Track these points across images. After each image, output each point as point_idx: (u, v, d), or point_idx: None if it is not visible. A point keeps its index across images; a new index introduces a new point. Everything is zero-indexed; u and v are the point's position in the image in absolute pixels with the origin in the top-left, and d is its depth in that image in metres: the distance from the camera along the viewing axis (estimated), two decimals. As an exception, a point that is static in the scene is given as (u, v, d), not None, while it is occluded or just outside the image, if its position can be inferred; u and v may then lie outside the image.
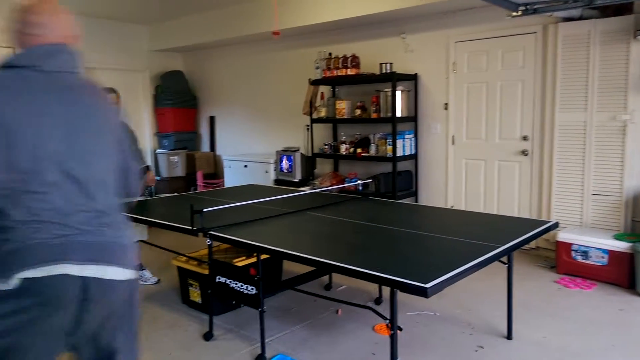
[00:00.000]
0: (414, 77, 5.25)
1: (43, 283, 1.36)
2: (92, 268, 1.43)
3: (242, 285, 2.84)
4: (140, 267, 4.21)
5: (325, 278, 4.00)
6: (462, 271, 2.04)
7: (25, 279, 1.34)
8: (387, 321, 2.14)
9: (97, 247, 1.45)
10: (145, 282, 4.16)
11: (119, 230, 1.54)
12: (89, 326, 1.49)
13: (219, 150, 7.65)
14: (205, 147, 7.85)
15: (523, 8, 3.65)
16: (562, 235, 4.16)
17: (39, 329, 1.39)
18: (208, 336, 3.12)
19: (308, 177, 5.98)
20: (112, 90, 3.93)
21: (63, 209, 1.42)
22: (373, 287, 3.84)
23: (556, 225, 2.90)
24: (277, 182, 6.07)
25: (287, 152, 5.98)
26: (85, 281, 1.41)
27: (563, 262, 4.16)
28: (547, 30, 4.45)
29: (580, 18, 4.26)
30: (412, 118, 5.28)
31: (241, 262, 3.13)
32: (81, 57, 1.65)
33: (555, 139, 4.47)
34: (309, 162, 5.96)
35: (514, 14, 3.70)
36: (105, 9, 6.39)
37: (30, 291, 1.35)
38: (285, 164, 6.00)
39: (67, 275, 1.38)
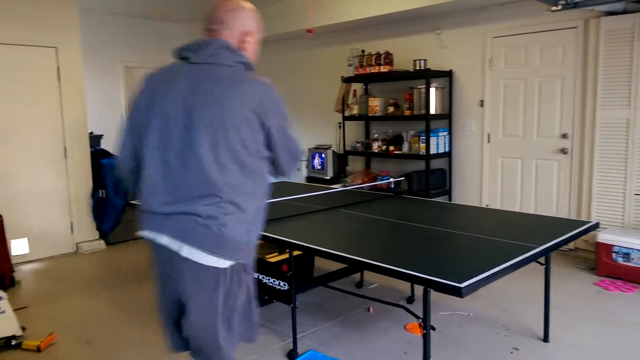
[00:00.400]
0: (448, 74, 5.18)
1: (152, 244, 1.74)
2: (175, 243, 1.65)
3: (274, 281, 2.87)
4: None
5: (357, 276, 3.99)
6: (497, 271, 2.00)
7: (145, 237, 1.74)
8: (420, 320, 2.12)
9: (180, 228, 1.63)
10: None
11: (212, 217, 1.61)
12: (179, 293, 1.73)
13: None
14: (238, 144, 7.94)
15: (563, 2, 3.55)
16: (603, 236, 4.03)
17: (156, 271, 1.81)
18: (241, 330, 3.16)
19: (340, 175, 5.98)
20: None
21: (168, 191, 1.64)
22: (405, 286, 3.82)
23: (597, 225, 2.81)
24: (309, 179, 6.09)
25: (319, 150, 5.99)
26: (170, 253, 1.66)
27: (603, 264, 4.03)
28: (589, 25, 4.30)
29: (624, 12, 4.10)
30: (446, 115, 5.21)
31: (274, 258, 3.16)
32: (235, 51, 1.71)
33: (596, 136, 4.32)
34: (341, 159, 5.96)
35: (554, 8, 3.60)
36: (144, 8, 6.55)
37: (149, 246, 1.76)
38: (317, 161, 6.01)
39: (161, 245, 1.68)
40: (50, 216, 5.02)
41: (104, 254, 5.16)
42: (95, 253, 5.17)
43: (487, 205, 5.06)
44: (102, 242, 5.33)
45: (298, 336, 2.98)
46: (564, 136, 4.57)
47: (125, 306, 3.68)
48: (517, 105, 4.83)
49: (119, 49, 6.95)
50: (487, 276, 1.94)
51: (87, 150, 5.27)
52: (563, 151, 4.58)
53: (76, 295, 3.96)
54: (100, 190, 5.27)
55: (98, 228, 5.36)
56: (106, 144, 6.28)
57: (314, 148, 6.09)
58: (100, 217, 5.30)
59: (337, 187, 4.31)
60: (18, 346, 3.02)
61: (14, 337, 3.04)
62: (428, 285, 1.95)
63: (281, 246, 2.97)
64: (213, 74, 1.64)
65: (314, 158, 6.05)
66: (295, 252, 2.72)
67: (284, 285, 2.80)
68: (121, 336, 3.18)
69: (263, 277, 2.95)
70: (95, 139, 5.98)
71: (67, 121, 5.07)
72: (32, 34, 4.80)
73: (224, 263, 1.64)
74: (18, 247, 4.79)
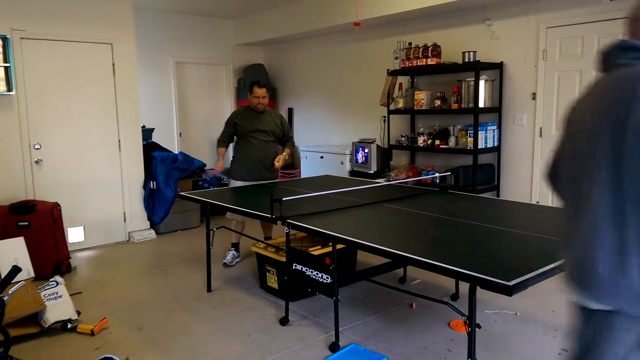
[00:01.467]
0: (499, 66, 5.01)
1: None
2: None
3: (317, 274, 2.89)
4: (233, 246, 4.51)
5: (400, 271, 3.96)
6: (547, 270, 1.93)
7: None
8: (465, 318, 2.08)
9: None
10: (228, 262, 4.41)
11: None
12: None
13: (296, 141, 7.79)
14: (283, 137, 8.03)
15: (625, -11, 3.36)
16: (663, 237, 3.80)
17: None
18: (284, 321, 3.21)
19: (384, 169, 5.93)
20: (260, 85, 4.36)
21: None
22: (449, 282, 3.75)
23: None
24: (352, 173, 6.08)
25: (363, 144, 5.96)
26: None
27: (663, 267, 3.81)
28: (652, 13, 4.05)
29: (693, -3, 3.83)
30: (496, 109, 5.05)
31: (317, 251, 3.18)
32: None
33: (658, 131, 4.08)
34: (385, 153, 5.91)
35: (614, -5, 3.41)
36: (195, 5, 6.70)
37: None
38: (360, 155, 5.99)
39: None
40: (105, 206, 5.25)
41: (154, 243, 5.35)
42: (146, 242, 5.37)
43: (537, 202, 4.89)
44: (152, 231, 5.53)
45: (340, 329, 2.99)
46: (623, 131, 4.34)
47: (174, 294, 3.81)
48: (572, 98, 4.62)
49: (171, 45, 7.15)
50: (536, 275, 1.88)
51: (139, 143, 5.47)
52: (621, 146, 4.35)
53: (128, 282, 4.14)
54: (151, 182, 5.46)
55: (149, 218, 5.57)
56: (157, 137, 6.50)
57: (358, 142, 6.06)
58: (151, 208, 5.49)
59: (381, 182, 4.28)
60: (73, 329, 3.18)
61: (69, 320, 3.21)
62: (475, 282, 1.90)
63: (324, 239, 2.98)
64: None
65: (357, 152, 6.02)
66: (339, 246, 2.72)
67: (327, 278, 2.81)
68: (170, 322, 3.30)
69: (306, 270, 2.97)
70: (147, 132, 6.20)
71: (121, 115, 5.28)
72: (89, 31, 5.02)
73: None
74: (74, 235, 5.04)
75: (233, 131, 4.51)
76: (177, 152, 6.04)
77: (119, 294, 3.85)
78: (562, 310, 3.31)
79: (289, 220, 2.86)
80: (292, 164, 7.67)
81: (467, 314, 2.07)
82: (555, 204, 4.74)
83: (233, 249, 4.50)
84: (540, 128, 4.87)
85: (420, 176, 5.32)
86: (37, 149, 4.80)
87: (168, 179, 5.48)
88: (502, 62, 5.03)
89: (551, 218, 2.83)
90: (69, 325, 3.19)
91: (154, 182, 5.44)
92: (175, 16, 7.15)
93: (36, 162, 4.79)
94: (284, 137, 4.58)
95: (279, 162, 4.33)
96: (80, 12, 4.95)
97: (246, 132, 4.41)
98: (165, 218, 5.53)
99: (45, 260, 4.22)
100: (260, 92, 4.32)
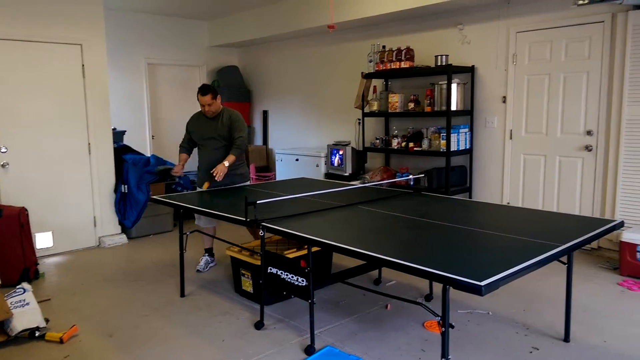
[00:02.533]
0: (470, 70, 5.11)
1: None
2: None
3: (292, 277, 2.88)
4: (208, 252, 4.41)
5: (375, 272, 3.98)
6: (518, 270, 1.97)
7: None
8: (439, 318, 2.10)
9: None
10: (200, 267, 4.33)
11: None
12: None
13: (271, 144, 7.77)
14: (258, 140, 7.99)
15: (590, -5, 3.46)
16: (627, 236, 3.94)
17: None
18: (259, 325, 3.19)
19: (359, 172, 5.96)
20: (207, 89, 4.13)
21: None
22: (423, 283, 3.79)
23: (621, 224, 2.75)
24: (328, 175, 6.09)
25: (338, 146, 5.98)
26: None
27: (627, 264, 3.94)
28: (616, 19, 4.19)
29: (654, 5, 3.98)
30: (468, 112, 5.14)
31: (292, 254, 3.17)
32: None
33: (623, 133, 4.22)
34: (360, 156, 5.94)
35: (581, 2, 3.52)
36: (167, 6, 6.62)
37: None
38: (335, 157, 6.00)
39: None
40: (74, 210, 5.13)
41: (125, 248, 5.25)
42: (117, 247, 5.27)
43: (508, 203, 4.99)
44: (124, 236, 5.42)
45: (316, 332, 2.99)
46: (589, 133, 4.47)
47: (147, 299, 3.74)
48: (540, 102, 4.74)
49: (143, 46, 7.04)
50: (507, 275, 1.91)
51: (110, 146, 5.36)
52: (587, 148, 4.48)
53: (98, 288, 4.04)
54: (122, 186, 5.36)
55: (120, 223, 5.46)
56: (129, 140, 6.38)
57: (333, 144, 6.08)
58: (123, 212, 5.39)
59: (356, 184, 4.30)
60: (42, 337, 3.09)
61: (37, 328, 3.11)
62: (448, 283, 1.93)
63: (300, 242, 2.98)
64: None
65: (332, 155, 6.04)
66: (314, 248, 2.72)
67: (302, 281, 2.81)
68: (142, 329, 3.24)
69: (281, 273, 2.96)
70: (118, 135, 6.08)
71: (91, 117, 5.16)
72: (58, 32, 4.90)
73: None
74: (42, 240, 4.91)
75: (189, 137, 4.40)
76: (149, 155, 5.94)
77: (89, 301, 3.76)
78: (533, 309, 3.39)
79: (263, 224, 2.85)
80: (267, 166, 7.64)
81: (440, 315, 2.10)
82: (525, 205, 4.85)
83: (206, 254, 4.43)
84: (511, 130, 4.98)
85: (395, 178, 5.37)
86: (4, 152, 4.65)
87: (140, 182, 5.38)
88: (473, 66, 5.13)
89: (522, 218, 2.89)
90: (37, 334, 3.10)
91: (126, 186, 5.34)
92: (147, 17, 7.05)
93: (2, 165, 4.65)
94: (232, 140, 4.18)
95: (216, 174, 3.94)
96: (47, 12, 4.83)
97: (197, 138, 4.31)
98: (137, 222, 5.44)
99: (12, 266, 4.09)
100: (205, 99, 4.09)
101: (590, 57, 4.39)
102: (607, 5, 4.10)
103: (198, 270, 4.34)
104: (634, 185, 4.20)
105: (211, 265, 4.43)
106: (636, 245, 3.88)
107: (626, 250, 3.94)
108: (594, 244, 4.51)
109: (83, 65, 5.08)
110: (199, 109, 4.32)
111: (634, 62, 4.10)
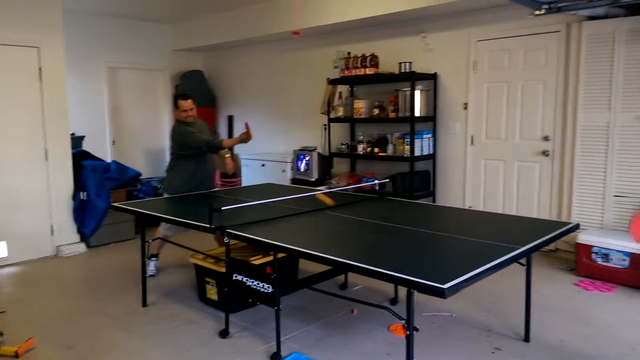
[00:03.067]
0: (433, 77, 5.21)
1: None
2: None
3: (258, 284, 2.85)
4: (153, 256, 4.33)
5: (341, 277, 3.99)
6: (480, 272, 2.01)
7: None
8: (403, 321, 2.12)
9: None
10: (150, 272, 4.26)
11: None
12: None
13: (236, 149, 7.69)
14: (223, 145, 7.90)
15: (546, 6, 3.59)
16: (583, 237, 4.09)
17: None
18: (224, 334, 3.14)
19: (325, 177, 5.97)
20: (186, 97, 4.15)
21: None
22: (389, 287, 3.83)
23: (577, 227, 2.85)
24: (294, 181, 6.08)
25: (304, 152, 5.99)
26: None
27: (583, 265, 4.09)
28: (571, 29, 4.37)
29: (606, 16, 4.17)
30: (431, 118, 5.24)
31: (258, 260, 3.14)
32: None
33: (577, 139, 4.39)
34: (326, 161, 5.96)
35: (537, 12, 3.64)
36: (128, 9, 6.48)
37: None
38: (302, 163, 6.00)
39: None
40: (30, 219, 4.93)
41: (84, 257, 5.08)
42: (76, 256, 5.09)
43: (470, 207, 5.10)
44: (82, 245, 5.25)
45: (282, 339, 2.97)
46: (546, 139, 4.63)
47: (107, 309, 3.63)
48: (500, 108, 4.88)
49: (103, 50, 6.86)
50: (469, 277, 1.95)
51: (68, 152, 5.19)
52: (544, 153, 4.64)
53: (56, 299, 3.90)
54: (81, 192, 5.19)
55: (79, 231, 5.28)
56: (88, 146, 6.20)
57: (300, 150, 6.08)
58: (81, 220, 5.22)
59: (322, 189, 4.31)
60: (-5, 351, 2.96)
61: (-9, 342, 2.98)
62: (411, 286, 1.95)
63: (265, 248, 2.95)
64: None
65: (299, 160, 6.04)
66: (280, 255, 2.71)
67: (268, 287, 2.78)
68: (103, 340, 3.14)
69: (247, 280, 2.93)
70: (76, 141, 5.89)
71: (48, 122, 4.99)
72: (13, 34, 4.72)
73: None
74: (-3, 250, 4.70)
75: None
76: (109, 161, 5.78)
77: (46, 312, 3.62)
78: (495, 310, 3.47)
79: (228, 230, 2.82)
80: (233, 172, 7.56)
81: (405, 318, 2.12)
82: (486, 208, 4.97)
83: (154, 259, 4.36)
84: (472, 136, 5.10)
85: (361, 183, 5.41)
86: (-47, 158, 4.44)
87: (100, 189, 5.23)
88: (436, 73, 5.23)
89: (483, 222, 2.95)
90: (-11, 348, 2.96)
91: (85, 193, 5.18)
92: (108, 20, 6.88)
93: (-49, 172, 4.43)
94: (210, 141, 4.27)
95: (230, 168, 4.47)
96: (2, 13, 4.65)
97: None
98: (96, 230, 5.27)
99: (-38, 278, 3.90)
100: (187, 104, 4.12)
101: (547, 66, 4.55)
102: (562, 16, 4.26)
103: (151, 275, 4.26)
104: (588, 188, 4.36)
105: (155, 263, 4.38)
106: (591, 246, 4.03)
107: (582, 251, 4.09)
108: (552, 246, 4.67)
109: (40, 68, 4.91)
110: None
111: (587, 70, 4.27)
